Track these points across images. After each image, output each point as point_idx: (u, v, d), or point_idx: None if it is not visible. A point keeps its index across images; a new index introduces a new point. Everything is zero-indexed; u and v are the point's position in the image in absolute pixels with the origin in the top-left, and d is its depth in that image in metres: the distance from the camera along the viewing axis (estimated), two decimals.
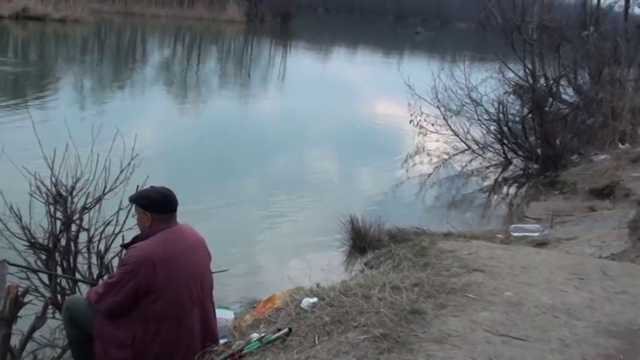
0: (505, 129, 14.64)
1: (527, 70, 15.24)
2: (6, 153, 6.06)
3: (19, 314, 3.82)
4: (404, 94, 16.07)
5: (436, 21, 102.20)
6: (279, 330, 3.63)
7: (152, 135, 13.45)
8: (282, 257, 8.29)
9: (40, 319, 3.68)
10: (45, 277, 5.43)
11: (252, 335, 3.90)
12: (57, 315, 5.12)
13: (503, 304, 3.87)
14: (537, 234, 8.26)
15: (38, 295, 5.09)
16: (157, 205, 4.01)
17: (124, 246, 4.14)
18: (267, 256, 8.35)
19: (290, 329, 3.59)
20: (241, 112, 19.64)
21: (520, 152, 14.57)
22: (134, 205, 4.16)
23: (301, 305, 3.95)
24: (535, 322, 3.66)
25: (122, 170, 5.64)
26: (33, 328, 3.66)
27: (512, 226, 8.86)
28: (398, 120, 17.86)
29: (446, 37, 75.52)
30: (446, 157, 15.05)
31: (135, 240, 4.06)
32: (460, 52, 24.26)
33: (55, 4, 37.80)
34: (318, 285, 4.39)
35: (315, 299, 3.95)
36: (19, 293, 3.33)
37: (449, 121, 15.23)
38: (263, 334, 3.72)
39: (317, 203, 10.85)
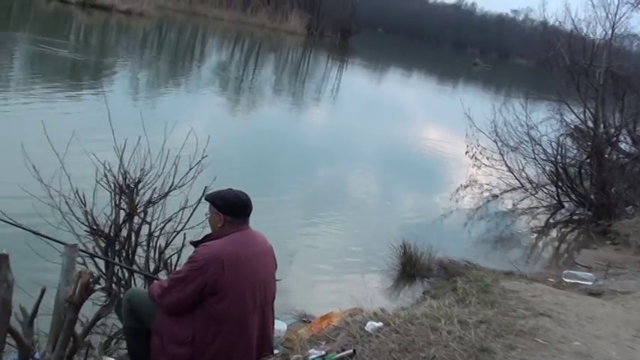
0: (561, 171, 14.42)
1: (588, 115, 14.99)
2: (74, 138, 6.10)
3: None
4: (458, 122, 15.93)
5: (495, 54, 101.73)
6: (343, 350, 3.58)
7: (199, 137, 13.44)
8: (330, 275, 8.17)
9: (107, 308, 3.64)
10: (102, 266, 5.47)
11: (310, 351, 3.85)
12: None
13: (572, 353, 3.77)
14: (591, 283, 8.08)
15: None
16: (231, 207, 4.00)
17: (194, 243, 4.11)
18: (315, 272, 8.22)
19: (354, 350, 3.53)
20: (293, 123, 19.72)
21: (573, 196, 14.31)
22: (208, 204, 4.13)
23: (365, 328, 3.89)
24: None
25: (190, 168, 5.65)
26: (98, 316, 3.62)
27: (565, 271, 8.67)
28: (452, 149, 17.75)
29: (504, 72, 75.07)
30: (497, 192, 14.85)
31: (205, 239, 4.04)
32: (517, 88, 23.96)
33: None
34: (382, 310, 4.32)
35: (380, 324, 3.89)
36: (91, 280, 3.30)
37: (505, 157, 15.07)
38: (323, 352, 3.67)
39: (364, 224, 10.75)
